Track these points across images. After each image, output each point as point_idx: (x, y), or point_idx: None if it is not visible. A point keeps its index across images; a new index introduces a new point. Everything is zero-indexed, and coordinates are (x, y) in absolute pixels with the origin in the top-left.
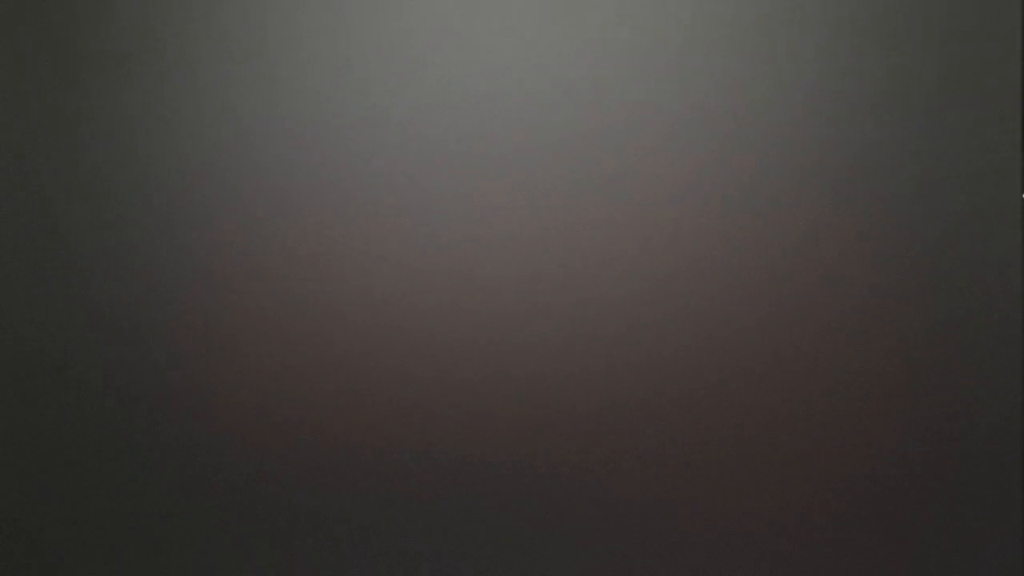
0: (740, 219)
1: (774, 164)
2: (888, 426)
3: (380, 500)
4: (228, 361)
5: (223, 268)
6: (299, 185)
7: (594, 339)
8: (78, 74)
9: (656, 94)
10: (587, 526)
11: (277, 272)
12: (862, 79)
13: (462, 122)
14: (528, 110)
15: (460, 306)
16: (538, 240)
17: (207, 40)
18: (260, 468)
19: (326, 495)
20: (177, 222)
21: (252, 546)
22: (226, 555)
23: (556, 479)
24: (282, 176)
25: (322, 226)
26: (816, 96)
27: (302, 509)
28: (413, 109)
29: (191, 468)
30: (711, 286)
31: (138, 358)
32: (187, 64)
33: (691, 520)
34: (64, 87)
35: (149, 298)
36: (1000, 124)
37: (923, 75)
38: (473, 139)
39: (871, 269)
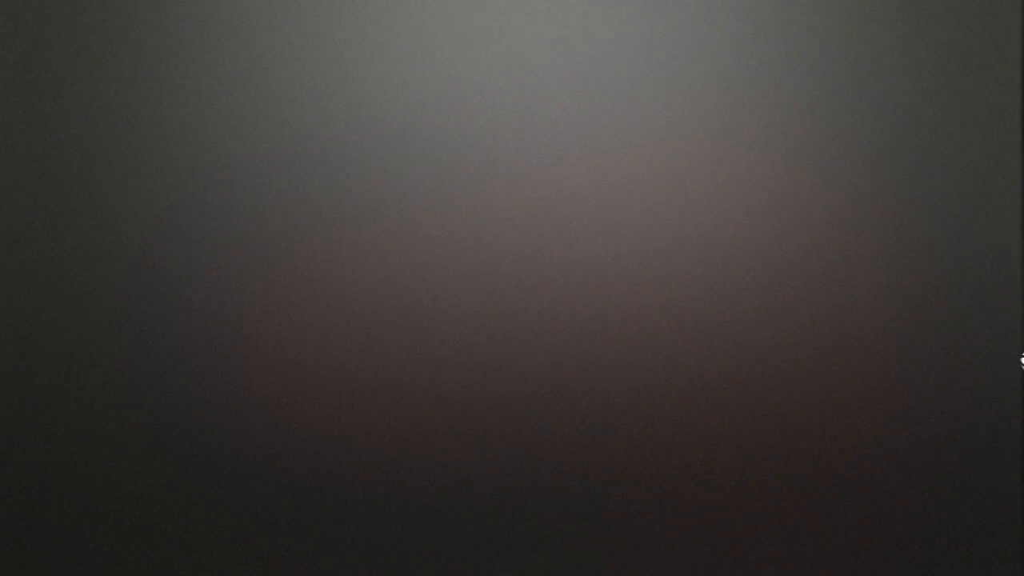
0: (740, 219)
1: (773, 164)
2: (888, 426)
3: (381, 500)
4: (228, 360)
5: (224, 267)
6: (300, 185)
7: (595, 338)
8: (77, 74)
9: (656, 93)
10: (588, 526)
11: (279, 272)
12: (861, 79)
13: (462, 121)
14: (529, 109)
15: (460, 305)
16: (538, 239)
17: (207, 40)
18: (260, 468)
19: (327, 495)
20: (176, 221)
21: (252, 546)
22: (226, 555)
23: (557, 478)
24: (283, 176)
25: (323, 226)
26: (816, 96)
27: (303, 509)
28: (414, 108)
29: (191, 468)
30: (710, 286)
31: (138, 358)
32: (187, 63)
33: (691, 521)
34: (64, 86)
35: (149, 298)
36: (1000, 124)
37: (923, 75)
38: (473, 138)
39: (871, 269)
